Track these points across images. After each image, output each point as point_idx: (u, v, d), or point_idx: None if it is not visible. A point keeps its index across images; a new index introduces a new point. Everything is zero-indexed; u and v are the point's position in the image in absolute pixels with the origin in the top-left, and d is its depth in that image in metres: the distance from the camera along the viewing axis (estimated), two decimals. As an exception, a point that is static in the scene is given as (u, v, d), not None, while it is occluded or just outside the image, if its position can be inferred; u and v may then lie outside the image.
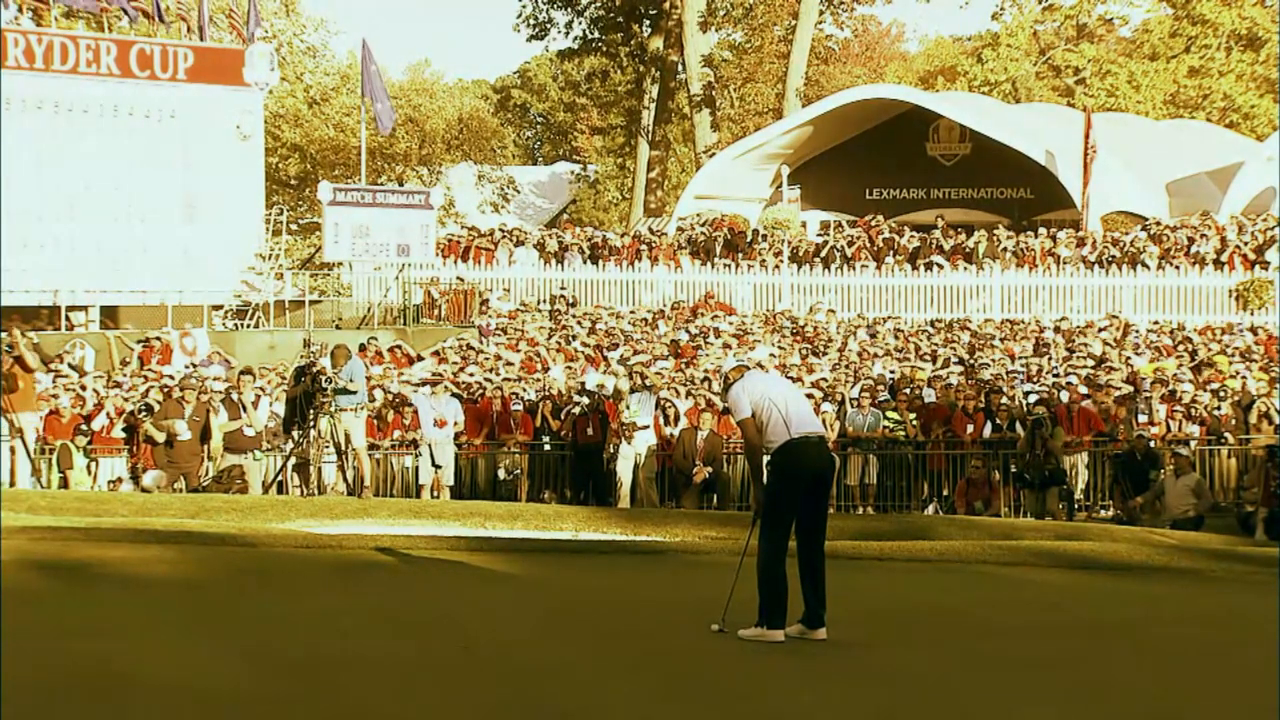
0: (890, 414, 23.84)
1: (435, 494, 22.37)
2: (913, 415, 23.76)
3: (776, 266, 37.05)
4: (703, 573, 13.82)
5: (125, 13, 33.58)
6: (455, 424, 22.70)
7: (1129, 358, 28.22)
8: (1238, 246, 35.04)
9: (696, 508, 22.03)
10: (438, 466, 22.51)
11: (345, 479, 21.34)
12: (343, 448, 20.90)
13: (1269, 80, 59.36)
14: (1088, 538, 18.07)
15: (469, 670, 9.31)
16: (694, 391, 24.30)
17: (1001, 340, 30.62)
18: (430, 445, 22.46)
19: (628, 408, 22.48)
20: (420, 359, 29.43)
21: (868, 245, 37.92)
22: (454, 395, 23.66)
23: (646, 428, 22.37)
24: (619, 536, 17.80)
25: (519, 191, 61.43)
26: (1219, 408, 24.34)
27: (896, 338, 31.12)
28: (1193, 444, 22.91)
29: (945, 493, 23.38)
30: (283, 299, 33.65)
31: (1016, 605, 12.70)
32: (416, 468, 22.83)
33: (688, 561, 15.06)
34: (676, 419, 23.36)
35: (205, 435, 21.86)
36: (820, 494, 10.45)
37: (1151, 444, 22.63)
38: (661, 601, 12.17)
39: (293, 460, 21.22)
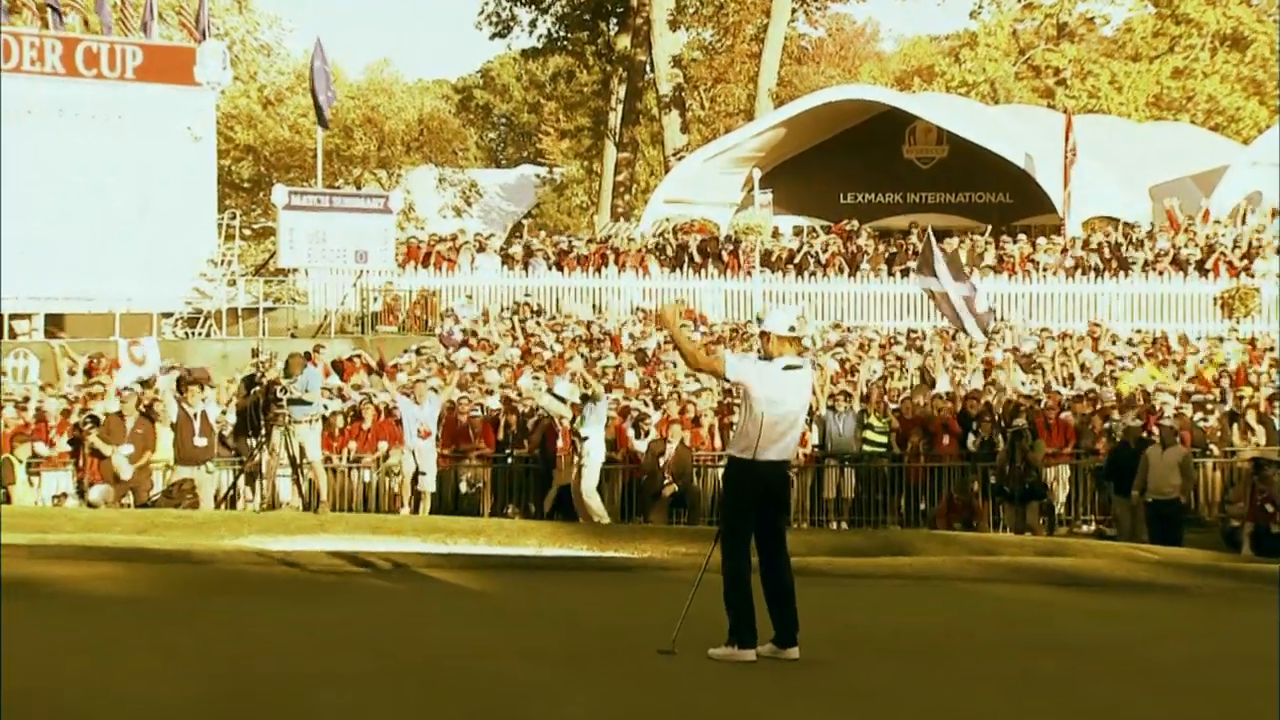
0: (871, 419, 23.92)
1: (415, 504, 22.39)
2: (889, 420, 23.84)
3: (748, 272, 37.10)
4: (672, 589, 13.81)
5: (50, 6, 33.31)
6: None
7: (1112, 368, 28.34)
8: (1223, 252, 35.25)
9: (665, 523, 22.06)
10: (421, 474, 22.49)
11: (300, 493, 21.29)
12: (297, 460, 20.86)
13: (1255, 81, 59.77)
14: (1069, 553, 18.16)
15: (430, 690, 9.29)
16: (663, 403, 24.36)
17: (985, 349, 30.70)
18: (414, 453, 22.45)
19: (580, 419, 22.38)
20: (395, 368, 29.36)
21: (842, 251, 38.01)
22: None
23: (586, 438, 22.25)
24: (585, 553, 17.80)
25: (482, 195, 61.34)
26: (1205, 419, 24.49)
27: (866, 348, 31.14)
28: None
29: (923, 507, 23.46)
30: (236, 306, 33.53)
31: (996, 623, 12.74)
32: (379, 482, 22.85)
33: (656, 578, 15.06)
34: (646, 432, 23.37)
35: (150, 446, 21.80)
36: (774, 508, 10.37)
37: (1144, 435, 22.68)
38: (630, 619, 12.16)
39: (246, 473, 21.15)
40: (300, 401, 20.77)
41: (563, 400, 22.68)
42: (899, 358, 29.93)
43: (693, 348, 11.00)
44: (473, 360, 29.67)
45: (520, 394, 25.66)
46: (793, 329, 10.31)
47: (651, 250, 39.15)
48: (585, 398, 22.40)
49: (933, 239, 27.32)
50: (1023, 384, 27.07)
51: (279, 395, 20.55)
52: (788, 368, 10.20)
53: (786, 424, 10.20)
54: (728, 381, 10.39)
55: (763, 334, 10.39)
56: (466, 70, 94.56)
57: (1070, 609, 13.71)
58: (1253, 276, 34.50)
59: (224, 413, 23.10)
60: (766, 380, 10.16)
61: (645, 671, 9.92)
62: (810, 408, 10.39)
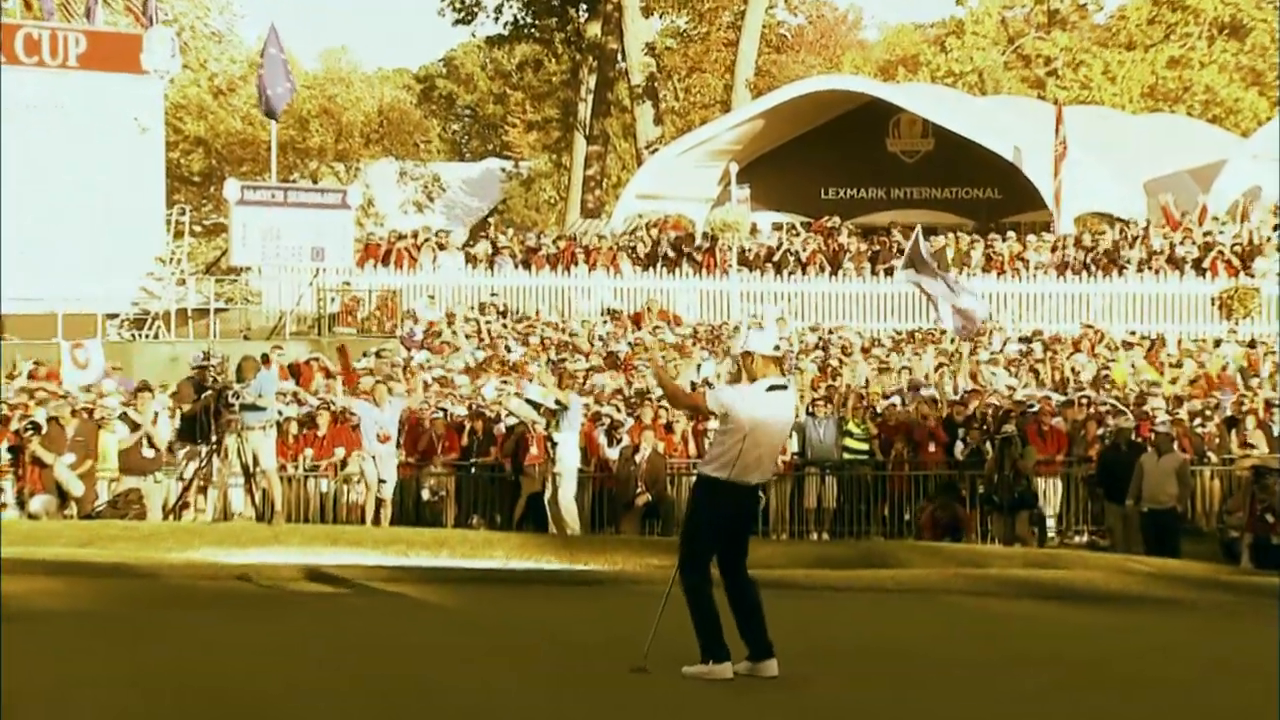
0: (851, 425, 23.96)
1: (377, 513, 22.36)
2: (867, 427, 23.87)
3: (724, 271, 37.14)
4: (644, 604, 13.81)
5: None
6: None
7: (1107, 372, 28.44)
8: (1221, 251, 35.41)
9: (638, 533, 22.07)
10: (382, 481, 22.46)
11: (253, 503, 21.25)
12: (250, 469, 20.81)
13: (1254, 71, 60.06)
14: (1060, 565, 18.20)
15: (391, 710, 9.28)
16: (637, 408, 24.36)
17: (970, 353, 30.78)
18: (374, 458, 22.41)
19: (554, 424, 22.35)
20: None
21: (823, 249, 38.08)
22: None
23: (556, 446, 22.23)
24: (554, 565, 17.79)
25: (445, 190, 61.24)
26: (1203, 425, 24.57)
27: (849, 351, 31.19)
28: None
29: (907, 517, 23.52)
30: (185, 307, 33.39)
31: (984, 638, 12.76)
32: (337, 491, 22.81)
33: (628, 592, 15.04)
34: (618, 439, 23.38)
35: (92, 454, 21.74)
36: (744, 529, 10.45)
37: (1135, 437, 22.73)
38: (600, 635, 12.15)
39: (196, 483, 21.10)
40: (253, 407, 20.71)
41: (535, 406, 22.64)
42: (882, 361, 29.97)
43: (675, 388, 11.22)
44: (434, 364, 29.63)
45: (485, 400, 25.64)
46: (777, 348, 10.44)
47: (623, 248, 39.17)
48: (558, 402, 22.41)
49: (920, 236, 27.39)
50: (1009, 388, 27.14)
51: (231, 400, 20.49)
52: (772, 388, 10.27)
53: (768, 447, 10.26)
54: (713, 414, 10.48)
55: (745, 354, 10.38)
56: (429, 59, 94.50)
57: (1062, 623, 13.75)
58: (1252, 276, 34.64)
59: (171, 417, 23.02)
60: (750, 404, 10.21)
61: (618, 690, 9.92)
62: None
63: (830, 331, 33.71)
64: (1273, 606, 14.46)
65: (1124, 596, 15.22)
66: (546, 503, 22.19)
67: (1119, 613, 14.32)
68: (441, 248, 38.46)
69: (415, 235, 39.69)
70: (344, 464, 23.27)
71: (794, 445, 23.73)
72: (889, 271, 36.76)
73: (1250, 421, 24.25)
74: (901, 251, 37.07)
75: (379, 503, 22.67)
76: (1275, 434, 24.08)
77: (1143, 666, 11.41)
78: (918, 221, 43.35)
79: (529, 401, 22.90)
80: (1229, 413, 24.99)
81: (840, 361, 29.79)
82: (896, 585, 15.62)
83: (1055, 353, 30.51)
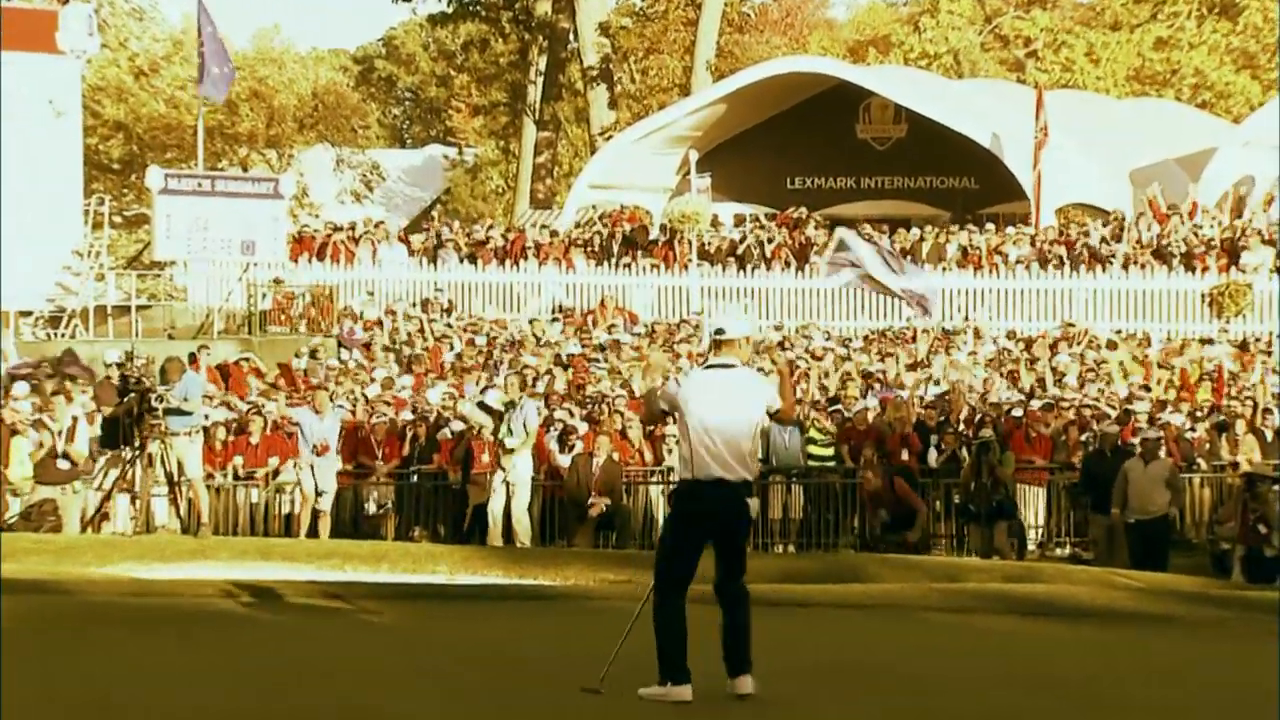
0: (812, 431, 24.00)
1: (314, 525, 22.29)
2: (832, 433, 23.91)
3: (684, 266, 37.16)
4: (598, 622, 13.81)
5: None
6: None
7: (1093, 374, 28.55)
8: (1211, 244, 35.60)
9: (591, 546, 22.06)
10: (321, 492, 22.38)
11: (178, 514, 21.15)
12: (175, 477, 20.72)
13: (1246, 54, 60.42)
14: (1041, 579, 18.28)
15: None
16: (593, 413, 24.38)
17: (946, 352, 30.88)
18: (311, 468, 22.34)
19: (488, 427, 22.29)
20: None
21: (789, 242, 38.14)
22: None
23: (511, 451, 22.20)
24: (502, 580, 17.77)
25: (384, 178, 61.07)
26: (1192, 429, 24.69)
27: (820, 356, 31.21)
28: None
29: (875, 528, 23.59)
30: (105, 304, 33.22)
31: (960, 656, 12.80)
32: (269, 501, 22.74)
33: (581, 608, 15.04)
34: (570, 445, 23.37)
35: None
36: (726, 538, 10.39)
37: (1120, 442, 22.83)
38: (549, 655, 12.14)
39: (116, 492, 20.99)
40: (178, 411, 20.62)
41: (491, 411, 22.58)
42: (852, 361, 30.03)
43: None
44: (374, 366, 29.57)
45: (429, 404, 25.60)
46: (720, 331, 10.49)
47: (576, 241, 39.14)
48: (510, 405, 22.40)
49: (846, 238, 27.38)
50: (986, 390, 27.24)
51: (154, 404, 20.38)
52: (711, 367, 10.41)
53: (724, 435, 10.21)
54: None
55: (712, 342, 10.53)
56: (367, 38, 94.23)
57: (1043, 640, 13.80)
58: (1243, 271, 34.83)
59: (91, 423, 22.88)
60: (690, 389, 10.31)
61: (568, 713, 9.90)
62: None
63: (797, 330, 33.73)
64: (1267, 623, 14.55)
65: (1109, 612, 15.29)
66: (495, 513, 22.11)
67: (1105, 630, 14.37)
68: (385, 240, 38.36)
69: (353, 227, 39.58)
70: (276, 473, 23.18)
71: (758, 452, 23.76)
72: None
73: (1241, 426, 24.38)
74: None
75: (316, 514, 22.58)
76: (1269, 439, 24.25)
77: (1132, 687, 11.45)
78: (891, 212, 43.78)
79: (482, 406, 22.80)
80: (1219, 417, 25.13)
81: (807, 363, 29.82)
82: (868, 600, 15.66)
83: (1036, 353, 30.61)
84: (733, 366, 10.37)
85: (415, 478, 23.85)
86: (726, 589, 10.33)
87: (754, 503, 10.43)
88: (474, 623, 14.05)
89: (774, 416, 10.83)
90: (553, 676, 11.10)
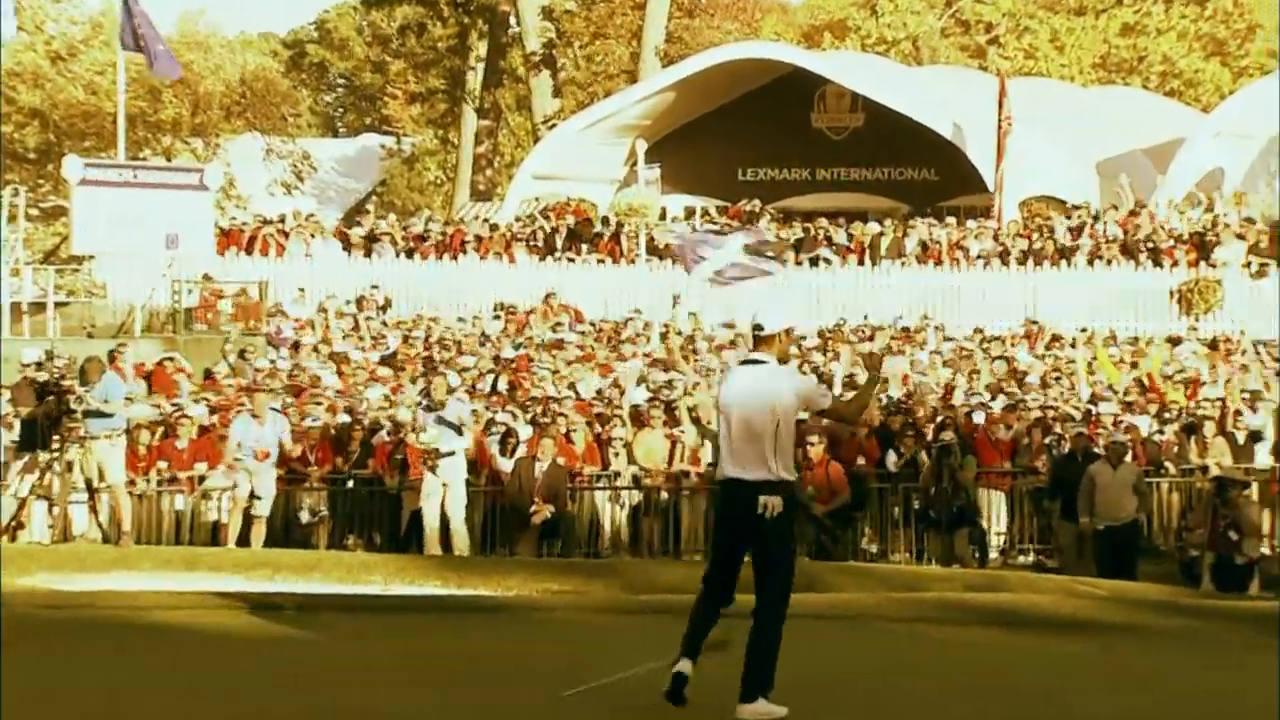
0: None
1: (246, 533, 22.21)
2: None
3: (631, 262, 37.17)
4: (542, 633, 13.81)
5: None
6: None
7: (1058, 374, 28.66)
8: (1181, 239, 35.82)
9: (534, 554, 22.03)
10: (257, 498, 22.29)
11: (98, 522, 21.04)
12: (94, 484, 20.60)
13: (1215, 40, 60.82)
14: (1005, 588, 18.36)
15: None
16: (536, 416, 24.36)
17: (906, 350, 30.96)
18: (249, 474, 22.25)
19: (423, 430, 22.21)
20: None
21: (742, 236, 38.17)
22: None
23: (453, 454, 22.16)
24: (439, 590, 17.75)
25: (316, 169, 60.96)
26: (1160, 432, 24.82)
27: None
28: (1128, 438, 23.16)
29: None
30: (20, 301, 33.03)
31: (920, 668, 12.84)
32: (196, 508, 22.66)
33: (524, 619, 15.04)
34: (514, 449, 23.34)
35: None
36: (752, 541, 10.42)
37: (1090, 447, 22.94)
38: (494, 669, 12.13)
39: (33, 499, 20.86)
40: (98, 413, 20.49)
41: (457, 429, 22.45)
42: (808, 360, 30.08)
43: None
44: (306, 366, 29.47)
45: (364, 406, 25.55)
46: (759, 328, 10.63)
47: (518, 235, 39.10)
48: (434, 406, 22.36)
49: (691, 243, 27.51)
50: (948, 391, 27.33)
51: (74, 406, 20.27)
52: (745, 363, 10.63)
53: (740, 430, 10.35)
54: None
55: (756, 338, 10.69)
56: (298, 22, 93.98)
57: (1007, 651, 13.85)
58: (1214, 267, 35.06)
59: (10, 429, 22.76)
60: (722, 387, 10.66)
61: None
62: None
63: (751, 328, 33.70)
64: (1238, 632, 14.64)
65: (1075, 622, 15.36)
66: (431, 520, 22.08)
67: (1070, 640, 14.44)
68: (317, 234, 38.23)
69: (283, 220, 39.43)
70: (202, 479, 23.09)
71: (707, 456, 23.83)
72: (814, 261, 36.96)
73: (1210, 429, 24.53)
74: (830, 240, 37.43)
75: (251, 520, 22.46)
76: (1240, 442, 24.40)
77: (1098, 699, 11.51)
78: (848, 205, 43.87)
79: (443, 421, 22.61)
80: (1188, 419, 25.27)
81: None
82: (825, 610, 15.68)
83: (998, 353, 30.72)
84: (763, 363, 10.50)
85: (350, 484, 23.77)
86: (756, 604, 10.42)
87: (773, 500, 10.21)
88: (410, 634, 14.02)
89: (827, 414, 11.09)
90: (494, 691, 11.09)
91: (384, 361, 29.92)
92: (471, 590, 17.61)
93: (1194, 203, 39.21)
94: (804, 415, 10.98)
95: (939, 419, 24.53)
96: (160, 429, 24.04)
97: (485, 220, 42.92)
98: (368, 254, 37.66)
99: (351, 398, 26.49)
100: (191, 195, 34.36)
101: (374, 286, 36.01)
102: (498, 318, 34.53)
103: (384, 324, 33.69)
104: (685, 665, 10.22)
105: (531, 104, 57.91)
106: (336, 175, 64.72)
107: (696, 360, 29.35)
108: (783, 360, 10.57)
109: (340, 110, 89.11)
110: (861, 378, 28.22)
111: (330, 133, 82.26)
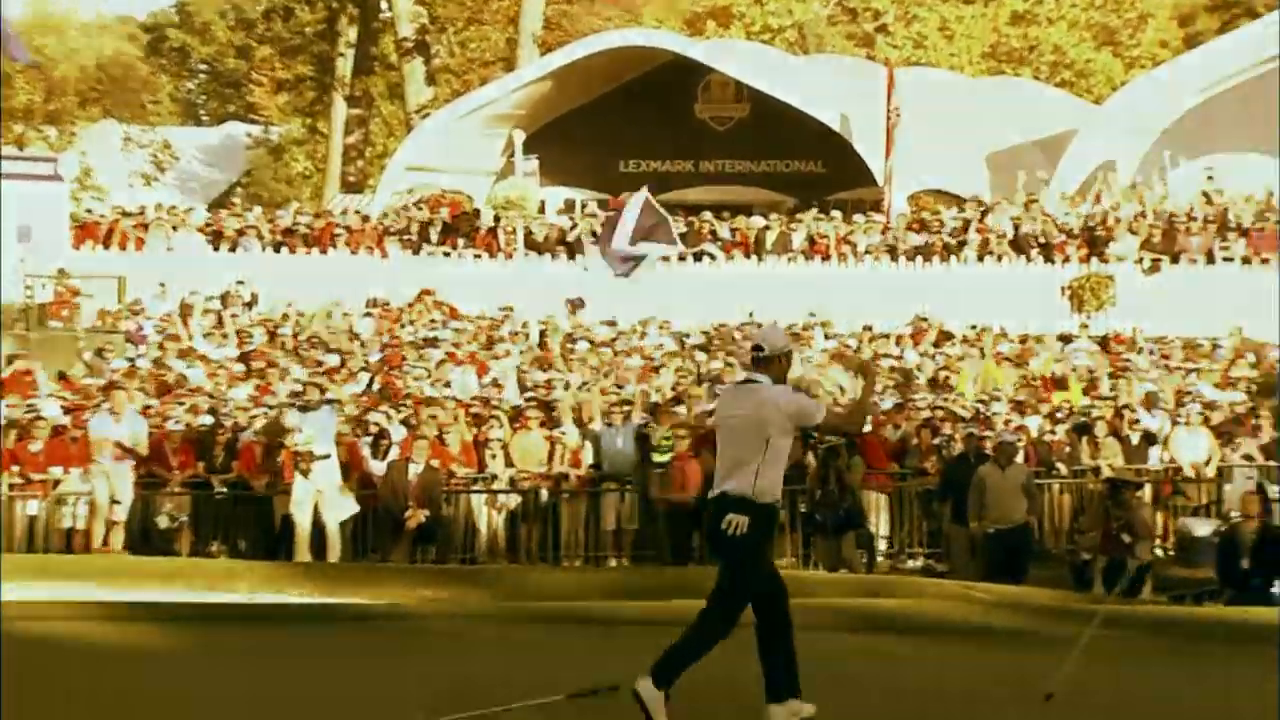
0: (660, 435, 24.02)
1: (106, 538, 22.00)
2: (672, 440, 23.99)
3: (509, 256, 37.12)
4: (416, 644, 13.74)
5: None
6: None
7: (947, 373, 28.88)
8: (1071, 234, 36.20)
9: (408, 561, 21.96)
10: (116, 502, 22.09)
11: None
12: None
13: (1107, 29, 61.52)
14: (894, 593, 18.44)
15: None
16: (409, 417, 24.30)
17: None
18: (107, 476, 22.04)
19: (298, 431, 22.13)
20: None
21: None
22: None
23: (327, 456, 22.06)
24: (307, 599, 17.64)
25: (178, 159, 60.50)
26: (1052, 432, 25.05)
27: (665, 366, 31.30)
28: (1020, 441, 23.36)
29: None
30: None
31: (805, 676, 12.88)
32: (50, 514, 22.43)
33: (397, 629, 14.96)
34: (387, 451, 23.27)
35: None
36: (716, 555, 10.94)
37: (981, 448, 23.11)
38: (363, 681, 12.07)
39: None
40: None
41: (331, 431, 22.36)
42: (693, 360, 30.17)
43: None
44: (167, 364, 29.25)
45: (228, 406, 25.38)
46: (758, 349, 10.90)
47: (390, 229, 38.97)
48: (305, 407, 22.23)
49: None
50: (839, 390, 27.42)
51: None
52: (741, 382, 11.04)
53: (729, 451, 10.69)
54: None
55: (755, 359, 10.92)
56: (158, 5, 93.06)
57: (896, 658, 13.93)
58: (1106, 262, 35.44)
59: None
60: (719, 403, 11.25)
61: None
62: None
63: (637, 326, 33.73)
64: (1129, 639, 14.80)
65: (965, 628, 15.47)
66: (303, 525, 21.99)
67: (961, 646, 14.54)
68: (175, 228, 37.93)
69: (143, 212, 39.10)
70: (57, 483, 22.85)
71: (588, 457, 23.84)
72: (699, 256, 37.06)
73: (1101, 429, 24.79)
74: (714, 235, 37.55)
75: (109, 526, 22.26)
76: (1134, 442, 24.67)
77: (986, 706, 11.60)
78: (733, 198, 44.05)
79: (317, 423, 22.50)
80: (1080, 419, 25.52)
81: (645, 360, 29.90)
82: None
83: (883, 350, 30.93)
84: (757, 382, 10.74)
85: (214, 488, 23.59)
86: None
87: (739, 520, 10.51)
88: (276, 646, 13.91)
89: (824, 428, 11.69)
90: (365, 705, 11.03)
91: (244, 358, 29.71)
92: (344, 599, 17.50)
93: (1085, 196, 39.65)
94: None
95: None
96: (14, 432, 23.77)
97: (356, 212, 42.75)
98: (233, 248, 37.39)
99: (215, 398, 26.30)
100: (44, 186, 34.08)
101: (240, 282, 35.77)
102: (369, 314, 34.40)
103: (250, 320, 33.48)
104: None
105: (404, 92, 57.71)
106: (199, 165, 64.25)
107: (574, 358, 29.40)
108: (779, 382, 10.78)
109: (203, 98, 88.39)
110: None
111: (192, 121, 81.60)
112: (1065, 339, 32.45)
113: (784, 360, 10.82)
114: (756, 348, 10.87)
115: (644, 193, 29.12)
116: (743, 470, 10.53)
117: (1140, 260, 35.53)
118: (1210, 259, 35.59)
